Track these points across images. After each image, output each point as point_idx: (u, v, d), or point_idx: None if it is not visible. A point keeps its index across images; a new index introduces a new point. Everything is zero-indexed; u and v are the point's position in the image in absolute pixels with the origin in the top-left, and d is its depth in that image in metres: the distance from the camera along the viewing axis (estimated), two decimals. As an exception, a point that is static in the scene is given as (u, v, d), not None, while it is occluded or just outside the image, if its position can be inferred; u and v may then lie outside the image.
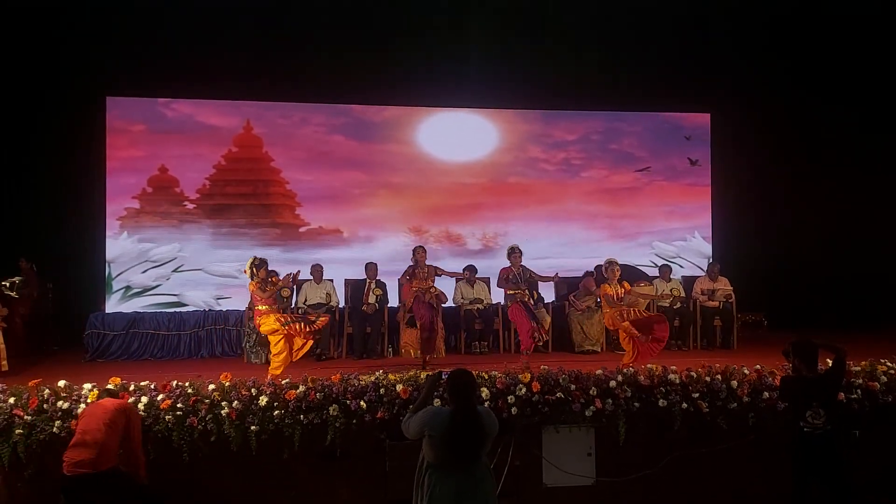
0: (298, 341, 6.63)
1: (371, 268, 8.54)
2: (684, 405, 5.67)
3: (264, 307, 6.66)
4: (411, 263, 7.51)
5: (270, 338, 6.62)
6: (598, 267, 9.16)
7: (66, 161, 9.29)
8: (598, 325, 8.44)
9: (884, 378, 5.98)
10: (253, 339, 7.94)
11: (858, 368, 6.10)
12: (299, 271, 7.07)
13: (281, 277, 7.02)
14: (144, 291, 9.47)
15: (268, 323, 6.58)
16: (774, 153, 10.59)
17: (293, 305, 8.42)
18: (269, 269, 8.44)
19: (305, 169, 9.97)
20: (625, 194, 10.63)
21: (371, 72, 9.69)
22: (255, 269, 6.74)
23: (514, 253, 7.75)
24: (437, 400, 5.18)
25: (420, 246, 7.67)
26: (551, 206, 10.46)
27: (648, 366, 6.09)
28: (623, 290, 7.15)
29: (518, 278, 7.49)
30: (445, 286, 8.75)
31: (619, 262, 7.45)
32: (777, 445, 5.34)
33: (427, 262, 7.56)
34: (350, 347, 8.31)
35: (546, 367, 5.96)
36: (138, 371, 6.89)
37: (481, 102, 10.21)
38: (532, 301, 7.66)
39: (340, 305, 8.53)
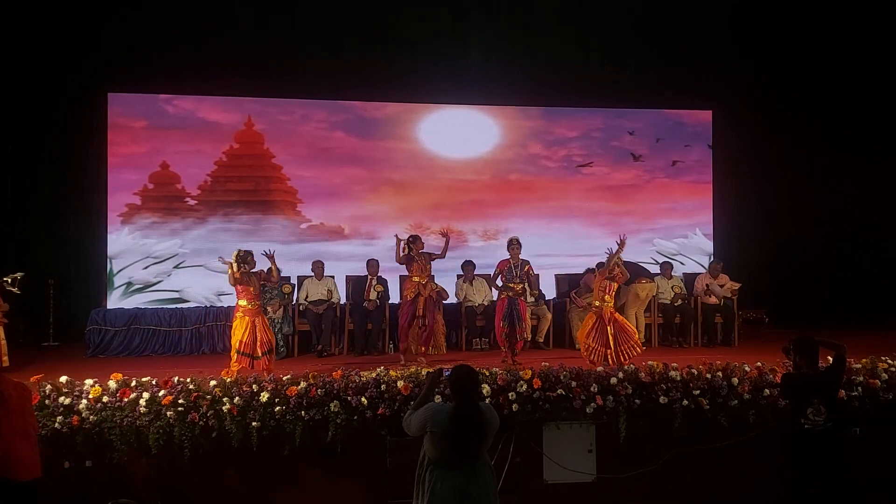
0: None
1: (372, 264, 8.54)
2: (685, 402, 5.67)
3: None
4: (410, 252, 7.38)
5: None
6: (599, 264, 9.19)
7: (67, 157, 9.29)
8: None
9: (884, 376, 5.99)
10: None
11: (859, 366, 6.10)
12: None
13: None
14: (146, 287, 9.48)
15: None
16: (776, 150, 10.56)
17: (294, 301, 8.43)
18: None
19: (306, 165, 9.97)
20: (626, 191, 10.62)
21: (372, 68, 9.67)
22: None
23: (512, 245, 7.46)
24: (437, 396, 5.20)
25: (416, 235, 7.52)
26: (552, 202, 10.45)
27: (649, 363, 6.10)
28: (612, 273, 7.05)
29: (513, 271, 7.41)
30: (447, 283, 8.79)
31: (623, 260, 7.39)
32: (777, 442, 5.35)
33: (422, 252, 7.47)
34: (351, 344, 8.32)
35: (547, 363, 5.97)
36: (140, 367, 6.90)
37: (482, 99, 10.20)
38: (525, 298, 7.50)
39: (342, 302, 8.53)
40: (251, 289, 6.61)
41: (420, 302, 7.27)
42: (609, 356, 6.71)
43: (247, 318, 6.54)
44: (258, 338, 6.51)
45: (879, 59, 10.06)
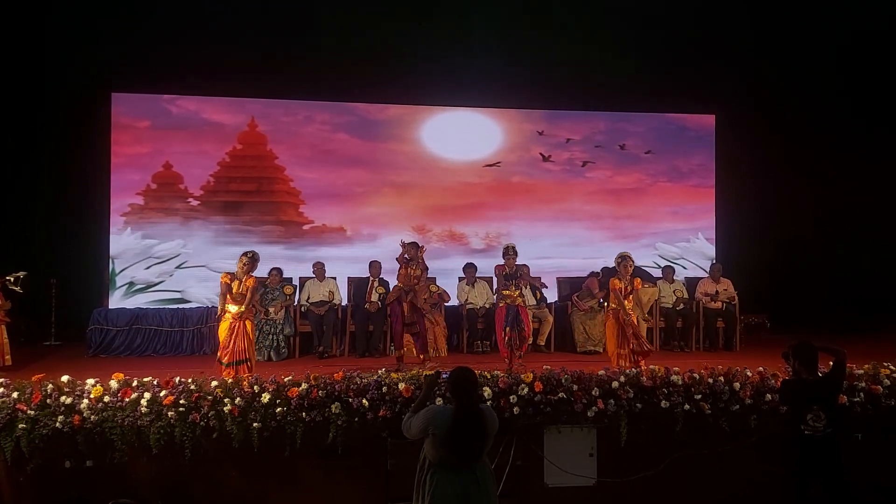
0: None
1: (375, 266, 8.54)
2: (686, 406, 5.66)
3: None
4: (408, 256, 7.38)
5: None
6: (604, 268, 9.19)
7: (70, 157, 9.31)
8: (601, 325, 8.43)
9: (887, 381, 5.96)
10: (256, 335, 7.94)
11: (861, 371, 6.08)
12: None
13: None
14: (148, 287, 9.49)
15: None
16: (779, 154, 10.55)
17: (296, 303, 8.43)
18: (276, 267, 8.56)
19: (309, 166, 9.98)
20: (628, 195, 10.62)
21: (375, 70, 9.69)
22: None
23: (507, 254, 7.37)
24: (438, 399, 5.20)
25: (412, 242, 7.50)
26: (555, 205, 10.45)
27: (651, 367, 6.09)
28: (632, 287, 6.99)
29: (510, 277, 7.39)
30: (448, 285, 8.80)
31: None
32: (779, 447, 5.34)
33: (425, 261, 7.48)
34: (352, 345, 8.32)
35: (548, 367, 5.96)
36: (141, 367, 6.91)
37: (485, 102, 10.21)
38: (524, 303, 7.46)
39: (343, 303, 8.53)
40: (236, 290, 6.49)
41: (405, 307, 7.25)
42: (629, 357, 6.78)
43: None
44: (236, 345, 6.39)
45: (881, 61, 10.03)
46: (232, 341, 6.35)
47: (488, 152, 10.32)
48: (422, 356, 7.26)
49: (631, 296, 7.04)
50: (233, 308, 6.46)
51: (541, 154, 10.39)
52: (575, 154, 10.51)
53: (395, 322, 7.33)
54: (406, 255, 7.33)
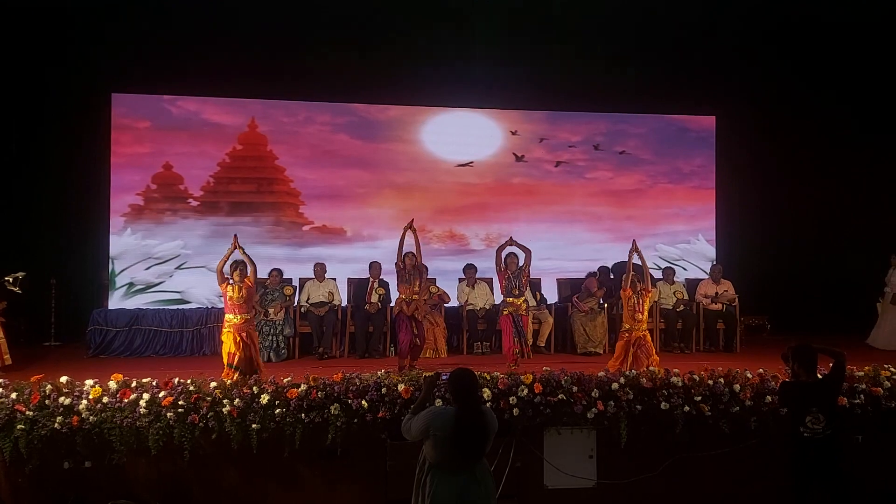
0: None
1: (375, 267, 8.53)
2: (686, 408, 5.65)
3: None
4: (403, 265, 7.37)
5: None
6: (601, 268, 9.19)
7: (71, 157, 9.31)
8: (601, 326, 8.44)
9: (887, 383, 5.94)
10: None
11: (862, 373, 6.07)
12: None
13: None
14: (147, 288, 9.49)
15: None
16: (779, 156, 10.55)
17: (296, 303, 8.43)
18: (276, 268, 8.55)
19: (309, 167, 9.98)
20: (629, 196, 10.61)
21: (376, 71, 9.70)
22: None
23: (509, 256, 7.36)
24: (438, 400, 5.19)
25: (409, 252, 7.37)
26: (555, 207, 10.44)
27: (651, 368, 6.08)
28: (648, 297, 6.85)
29: (512, 282, 7.33)
30: (449, 287, 8.79)
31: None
32: (778, 449, 5.33)
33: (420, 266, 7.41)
34: (352, 346, 8.31)
35: (548, 368, 5.95)
36: (140, 368, 6.91)
37: (486, 103, 10.20)
38: (527, 306, 7.40)
39: (343, 304, 8.52)
40: (235, 296, 6.38)
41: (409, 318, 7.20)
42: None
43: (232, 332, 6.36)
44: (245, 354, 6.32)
45: (881, 63, 10.01)
46: (241, 350, 6.30)
47: (489, 153, 10.31)
48: (406, 361, 7.18)
49: (647, 295, 6.87)
50: (232, 317, 6.38)
51: (514, 154, 10.35)
52: (576, 155, 10.50)
53: (402, 331, 7.23)
54: (405, 267, 7.29)
